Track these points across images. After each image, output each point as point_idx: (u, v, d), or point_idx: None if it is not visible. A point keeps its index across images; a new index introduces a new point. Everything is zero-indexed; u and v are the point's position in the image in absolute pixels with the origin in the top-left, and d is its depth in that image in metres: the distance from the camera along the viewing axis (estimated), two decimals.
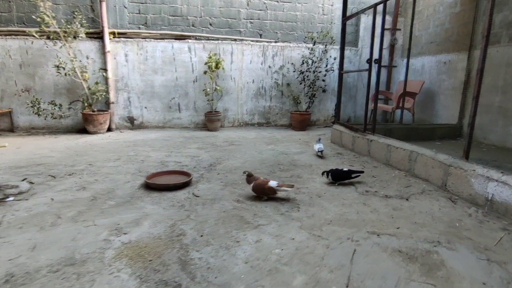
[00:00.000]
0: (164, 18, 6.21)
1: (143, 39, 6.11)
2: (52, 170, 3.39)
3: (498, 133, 4.57)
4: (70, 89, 5.96)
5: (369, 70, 3.96)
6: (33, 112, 5.60)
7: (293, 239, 1.93)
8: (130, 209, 2.37)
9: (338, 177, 2.92)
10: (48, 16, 5.04)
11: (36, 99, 5.57)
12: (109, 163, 3.71)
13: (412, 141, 3.57)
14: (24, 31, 5.53)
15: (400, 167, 3.40)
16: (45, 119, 5.89)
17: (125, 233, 1.99)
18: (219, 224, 2.13)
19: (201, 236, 1.97)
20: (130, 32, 6.08)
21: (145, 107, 6.36)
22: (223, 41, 6.39)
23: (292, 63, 6.65)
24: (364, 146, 4.10)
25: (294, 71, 6.63)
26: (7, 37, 5.59)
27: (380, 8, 3.90)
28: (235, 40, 6.45)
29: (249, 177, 2.58)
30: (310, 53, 6.42)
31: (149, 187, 2.85)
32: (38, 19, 5.09)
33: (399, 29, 6.83)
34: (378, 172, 3.37)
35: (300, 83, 6.58)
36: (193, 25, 6.33)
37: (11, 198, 2.54)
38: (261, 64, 6.57)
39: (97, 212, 2.32)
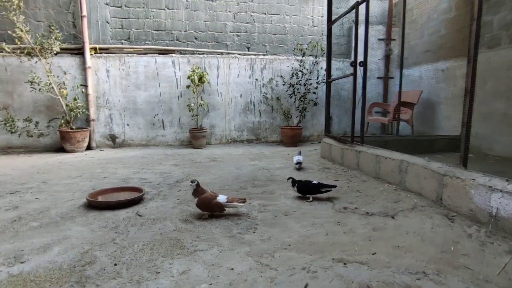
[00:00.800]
0: (147, 32, 6.04)
1: (126, 54, 5.92)
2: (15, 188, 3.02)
3: (504, 143, 4.07)
4: (49, 106, 5.73)
5: (354, 74, 3.58)
6: (6, 130, 5.34)
7: (232, 269, 1.48)
8: (51, 232, 1.95)
9: (305, 190, 2.50)
10: (22, 31, 4.88)
11: (10, 116, 5.33)
12: (65, 181, 3.34)
13: (409, 154, 3.05)
14: (3, 48, 5.38)
15: (390, 180, 2.92)
16: (19, 136, 5.62)
17: (22, 262, 1.57)
18: (145, 250, 1.69)
19: (115, 265, 1.53)
20: (113, 48, 5.91)
21: (127, 124, 6.07)
22: (209, 55, 6.16)
23: (281, 76, 6.34)
24: (353, 159, 3.64)
25: (283, 84, 6.31)
26: None
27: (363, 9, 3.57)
28: (222, 53, 6.22)
29: (196, 190, 2.16)
30: (300, 65, 6.12)
31: (91, 205, 2.44)
32: (14, 35, 4.94)
33: (394, 39, 6.52)
34: (365, 187, 2.90)
35: (291, 97, 6.23)
36: (177, 40, 6.14)
37: None
38: (249, 77, 6.29)
39: (9, 235, 1.91)
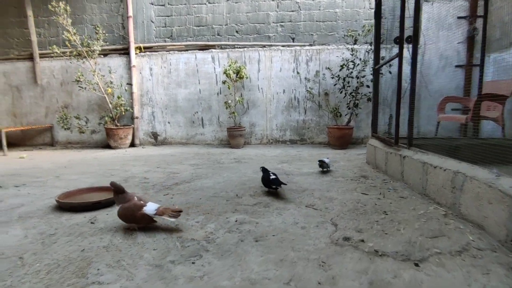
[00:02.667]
0: (189, 29, 5.92)
1: (167, 52, 5.90)
2: (11, 181, 3.09)
3: None
4: (100, 104, 6.05)
5: (400, 54, 2.68)
6: (62, 127, 5.80)
7: None
8: None
9: (264, 183, 2.50)
10: (69, 33, 5.19)
11: (64, 114, 5.77)
12: (73, 176, 3.28)
13: (495, 165, 1.90)
14: (65, 52, 5.80)
15: (440, 200, 2.01)
16: (71, 133, 6.07)
17: None
18: (40, 273, 1.29)
19: None
20: (156, 46, 5.95)
21: (168, 122, 6.04)
22: (250, 49, 5.73)
23: (329, 68, 5.52)
24: (397, 166, 2.75)
25: (332, 77, 5.48)
26: (52, 58, 6.03)
27: None
28: (264, 46, 5.72)
29: (118, 196, 1.71)
30: (352, 55, 5.21)
31: (60, 206, 2.21)
32: (64, 37, 5.31)
33: (480, 16, 5.07)
34: (398, 207, 2.05)
35: (340, 92, 5.37)
36: (218, 34, 5.87)
37: None
38: (293, 71, 5.64)
39: None
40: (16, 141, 6.52)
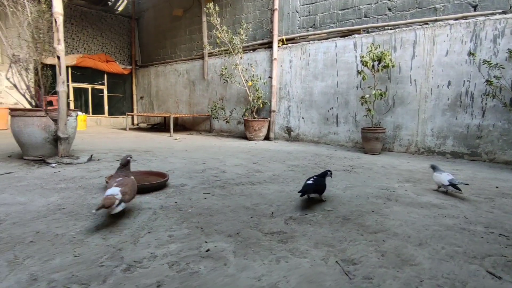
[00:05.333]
0: (332, 14, 5.26)
1: (308, 42, 5.50)
2: (136, 154, 3.71)
3: None
4: (246, 97, 6.46)
5: None
6: (212, 116, 6.59)
7: None
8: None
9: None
10: (219, 33, 5.72)
11: (215, 105, 6.51)
12: (176, 160, 3.54)
13: None
14: (220, 50, 6.52)
15: None
16: (217, 121, 6.77)
17: None
18: None
19: None
20: (298, 37, 5.67)
21: (302, 118, 5.68)
22: (403, 29, 4.45)
23: None
24: None
25: None
26: (215, 57, 6.95)
27: None
28: (425, 23, 4.29)
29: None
30: None
31: None
32: (217, 34, 5.91)
33: None
34: None
35: None
36: (365, 16, 4.90)
37: (53, 164, 2.99)
38: (468, 55, 3.93)
39: None
40: (189, 126, 8.03)
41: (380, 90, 4.39)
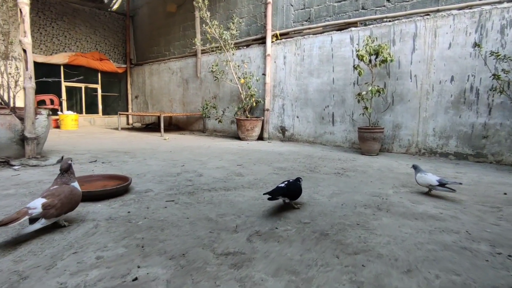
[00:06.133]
0: (328, 7, 4.96)
1: (302, 37, 5.21)
2: (103, 157, 3.45)
3: None
4: (239, 95, 6.18)
5: None
6: (203, 115, 6.32)
7: None
8: None
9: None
10: (209, 27, 5.45)
11: (206, 103, 6.24)
12: (155, 161, 3.28)
13: None
14: (212, 47, 6.26)
15: None
16: (209, 120, 6.50)
17: None
18: None
19: None
20: (292, 31, 5.38)
21: (297, 117, 5.39)
22: (403, 20, 4.14)
23: None
24: None
25: None
26: (208, 54, 6.69)
27: None
28: (427, 14, 3.98)
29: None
30: None
31: None
32: (206, 33, 5.65)
33: None
34: None
35: None
36: (363, 8, 4.60)
37: (16, 166, 2.74)
38: (472, 47, 3.61)
39: None
40: (183, 126, 7.78)
41: (378, 86, 4.09)
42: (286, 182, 1.83)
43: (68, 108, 8.32)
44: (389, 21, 4.27)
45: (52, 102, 7.91)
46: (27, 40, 2.96)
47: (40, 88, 7.81)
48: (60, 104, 8.14)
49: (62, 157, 3.19)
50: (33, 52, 7.60)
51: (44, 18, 7.71)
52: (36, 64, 7.68)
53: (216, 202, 1.93)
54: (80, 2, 8.40)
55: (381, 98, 4.29)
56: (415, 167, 2.28)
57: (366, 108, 4.17)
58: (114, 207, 1.78)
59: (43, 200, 1.35)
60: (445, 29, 3.80)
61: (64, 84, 8.29)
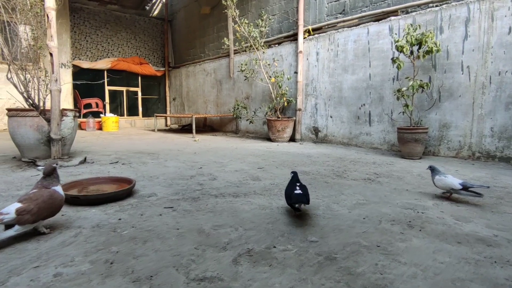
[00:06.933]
0: None
1: (336, 31, 4.84)
2: (126, 159, 3.44)
3: None
4: (270, 95, 5.96)
5: None
6: (235, 116, 6.19)
7: None
8: None
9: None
10: (238, 26, 5.30)
11: (237, 103, 6.10)
12: (173, 163, 3.19)
13: None
14: (246, 46, 6.11)
15: None
16: (239, 121, 6.34)
17: None
18: None
19: None
20: (325, 25, 5.03)
21: (331, 116, 5.02)
22: (452, 3, 3.60)
23: None
24: None
25: None
26: (241, 53, 6.56)
27: None
28: None
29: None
30: None
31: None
32: (237, 32, 5.50)
33: None
34: None
35: None
36: None
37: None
38: None
39: None
40: (217, 127, 7.76)
41: (421, 81, 3.59)
42: (298, 186, 1.65)
43: (111, 111, 8.77)
44: (436, 5, 3.75)
45: (97, 105, 8.40)
46: (53, 44, 3.04)
47: (87, 93, 8.35)
48: (104, 107, 8.61)
49: (85, 158, 3.24)
50: (79, 59, 8.09)
51: (89, 27, 8.22)
52: (82, 70, 8.25)
53: (218, 210, 1.73)
54: (122, 10, 8.82)
55: (424, 94, 3.79)
56: (432, 169, 2.03)
57: (406, 105, 3.69)
58: (108, 212, 1.67)
59: (18, 205, 1.25)
60: (504, 12, 3.21)
61: (107, 88, 8.75)
